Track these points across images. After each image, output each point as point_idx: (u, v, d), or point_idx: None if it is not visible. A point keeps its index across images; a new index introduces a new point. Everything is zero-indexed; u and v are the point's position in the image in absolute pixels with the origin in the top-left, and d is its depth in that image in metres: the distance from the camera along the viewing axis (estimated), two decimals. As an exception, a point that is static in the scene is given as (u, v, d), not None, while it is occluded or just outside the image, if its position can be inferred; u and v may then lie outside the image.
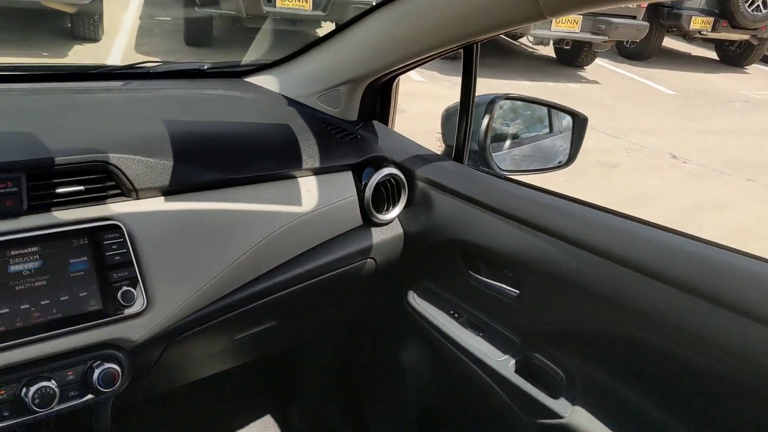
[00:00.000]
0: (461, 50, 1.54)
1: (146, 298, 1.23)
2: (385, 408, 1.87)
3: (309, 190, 1.52)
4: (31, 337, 1.12)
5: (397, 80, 1.76)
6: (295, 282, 1.50)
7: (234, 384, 2.01)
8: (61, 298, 1.15)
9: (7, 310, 1.10)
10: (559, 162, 1.96)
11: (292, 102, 1.77)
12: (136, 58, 6.26)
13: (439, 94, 6.99)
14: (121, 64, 1.87)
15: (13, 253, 1.12)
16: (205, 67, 1.89)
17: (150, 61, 1.88)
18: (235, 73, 1.91)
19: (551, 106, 1.81)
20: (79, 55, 6.58)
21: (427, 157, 1.69)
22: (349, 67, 1.65)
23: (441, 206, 1.61)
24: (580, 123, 1.80)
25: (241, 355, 1.69)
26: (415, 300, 1.68)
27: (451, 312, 1.62)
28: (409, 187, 1.65)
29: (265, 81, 1.86)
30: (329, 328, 1.88)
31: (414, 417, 1.76)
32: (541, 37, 8.54)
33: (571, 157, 1.81)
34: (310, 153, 1.54)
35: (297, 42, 7.23)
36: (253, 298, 1.42)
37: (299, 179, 1.52)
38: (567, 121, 1.99)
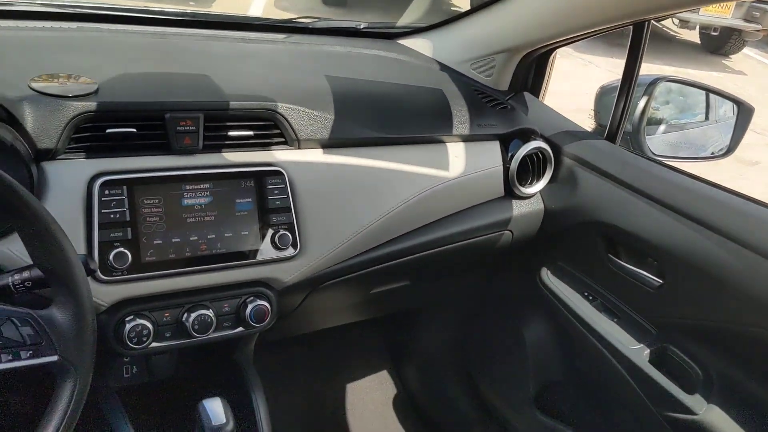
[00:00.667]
0: (629, 28, 1.49)
1: (299, 244, 1.28)
2: (502, 378, 1.88)
3: (457, 156, 1.52)
4: (196, 267, 1.20)
5: (554, 53, 1.73)
6: (432, 245, 1.52)
7: (355, 337, 2.08)
8: (226, 234, 1.22)
9: (178, 240, 1.18)
10: (713, 153, 1.87)
11: (444, 67, 1.77)
12: (275, 14, 6.43)
13: (568, 71, 6.78)
14: (281, 18, 1.93)
15: (187, 187, 1.19)
16: (361, 26, 1.92)
17: (305, 16, 1.93)
18: (389, 34, 1.94)
19: (716, 93, 1.72)
20: (223, 6, 6.84)
21: (578, 134, 1.65)
22: (508, 35, 1.63)
23: (587, 185, 1.58)
24: (745, 113, 1.70)
25: (373, 309, 1.75)
26: (549, 277, 1.67)
27: (585, 294, 1.60)
28: (555, 162, 1.63)
29: (419, 44, 1.88)
30: (456, 294, 1.90)
31: (532, 391, 1.76)
32: (687, 20, 8.08)
33: (731, 149, 1.72)
34: (460, 119, 1.54)
35: (449, 9, 7.21)
36: (392, 256, 1.46)
37: (448, 144, 1.53)
38: (725, 110, 1.88)
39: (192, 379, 1.40)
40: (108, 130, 1.15)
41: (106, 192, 1.12)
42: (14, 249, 1.06)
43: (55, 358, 0.86)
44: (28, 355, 0.85)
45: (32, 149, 1.09)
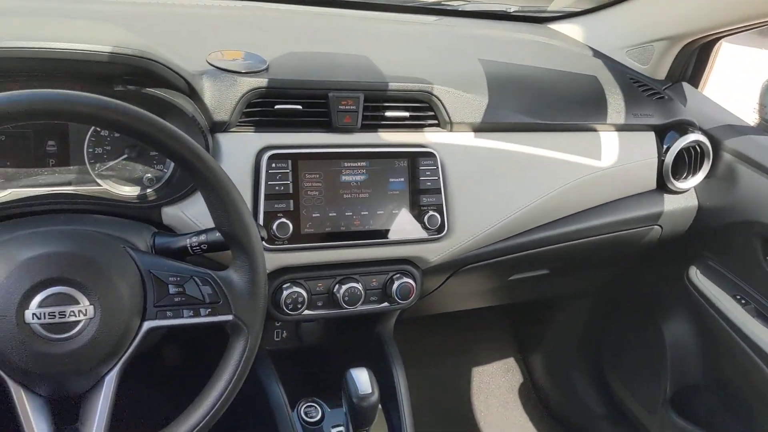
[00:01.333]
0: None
1: (447, 226, 1.30)
2: (636, 376, 1.83)
3: (610, 145, 1.48)
4: (349, 242, 1.24)
5: (719, 43, 1.64)
6: (577, 236, 1.49)
7: (484, 322, 2.08)
8: (378, 212, 1.25)
9: (334, 214, 1.23)
10: None
11: (598, 53, 1.72)
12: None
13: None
14: (431, 0, 1.94)
15: (345, 164, 1.24)
16: (511, 9, 1.90)
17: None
18: (540, 18, 1.90)
19: None
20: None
21: (741, 129, 1.56)
22: (671, 22, 1.56)
23: (748, 183, 1.49)
24: None
25: (508, 295, 1.74)
26: (697, 276, 1.60)
27: (738, 297, 1.52)
28: (714, 157, 1.55)
29: (571, 29, 1.83)
30: (593, 286, 1.86)
31: (667, 393, 1.70)
32: None
33: None
34: (615, 108, 1.50)
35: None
36: (536, 244, 1.45)
37: (601, 133, 1.49)
38: None
39: (336, 349, 1.45)
40: (277, 106, 1.20)
41: (273, 165, 1.18)
42: (188, 213, 1.14)
43: (230, 317, 0.92)
44: (206, 312, 0.92)
45: (208, 121, 1.17)
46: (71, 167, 1.18)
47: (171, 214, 1.14)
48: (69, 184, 1.18)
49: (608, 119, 1.48)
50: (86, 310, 0.84)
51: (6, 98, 0.78)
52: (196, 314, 0.91)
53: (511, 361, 2.11)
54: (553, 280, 1.68)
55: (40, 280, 0.83)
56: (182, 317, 0.91)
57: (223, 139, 1.18)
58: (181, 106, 1.12)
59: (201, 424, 0.91)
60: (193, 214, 1.15)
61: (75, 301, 0.84)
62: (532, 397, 2.08)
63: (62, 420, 0.89)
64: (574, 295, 1.93)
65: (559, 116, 1.44)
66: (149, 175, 1.22)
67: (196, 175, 0.88)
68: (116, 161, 1.20)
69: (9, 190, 1.14)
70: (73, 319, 0.84)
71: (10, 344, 0.82)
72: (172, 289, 0.91)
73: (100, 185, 1.19)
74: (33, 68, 1.09)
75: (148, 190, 1.21)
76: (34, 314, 0.82)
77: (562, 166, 1.42)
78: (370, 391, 1.15)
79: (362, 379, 1.16)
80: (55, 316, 0.83)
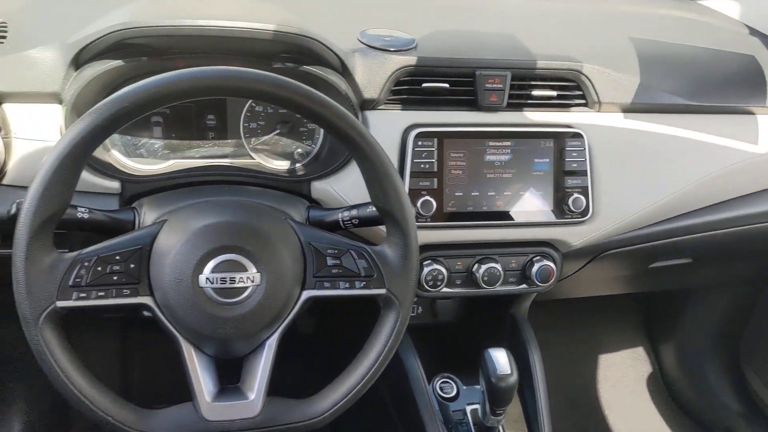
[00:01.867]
0: None
1: (592, 209, 1.27)
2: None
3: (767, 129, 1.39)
4: (491, 222, 1.24)
5: None
6: (726, 224, 1.42)
7: (613, 308, 2.02)
8: (521, 193, 1.24)
9: (477, 194, 1.22)
10: None
11: (754, 32, 1.61)
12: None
13: None
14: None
15: (490, 144, 1.23)
16: (660, -15, 1.81)
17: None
18: (690, -7, 1.80)
19: None
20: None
21: None
22: None
23: None
24: None
25: (645, 284, 1.68)
26: None
27: None
28: None
29: (724, 5, 1.73)
30: (737, 277, 1.76)
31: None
32: None
33: None
34: (776, 89, 1.40)
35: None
36: (683, 231, 1.39)
37: (758, 116, 1.40)
38: None
39: (470, 327, 1.46)
40: (424, 84, 1.21)
41: (419, 143, 1.19)
42: (336, 188, 1.17)
43: (383, 291, 0.95)
44: (361, 285, 0.94)
45: (358, 98, 1.19)
46: (228, 141, 1.24)
47: (320, 188, 1.18)
48: (225, 156, 1.24)
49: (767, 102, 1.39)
50: (254, 277, 0.89)
51: (188, 75, 0.82)
52: (352, 286, 0.94)
53: (640, 351, 2.05)
54: (695, 269, 1.61)
55: (214, 247, 0.88)
56: (339, 288, 0.94)
57: (372, 116, 1.21)
58: (335, 84, 1.15)
59: (352, 393, 0.94)
60: (341, 188, 1.18)
61: (244, 268, 0.89)
62: (661, 388, 2.01)
63: (225, 379, 0.95)
64: (714, 286, 1.84)
65: (713, 98, 1.37)
66: (299, 150, 1.26)
67: (358, 152, 0.90)
68: (269, 136, 1.25)
69: (172, 161, 1.21)
70: (241, 285, 0.88)
71: (185, 306, 0.87)
72: (329, 261, 0.94)
73: (253, 158, 1.25)
74: (198, 46, 1.15)
75: (297, 165, 1.26)
76: (207, 279, 0.87)
77: (714, 150, 1.35)
78: (509, 371, 1.14)
79: (501, 359, 1.16)
80: (225, 281, 0.88)
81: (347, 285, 0.94)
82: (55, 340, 0.84)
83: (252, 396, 0.92)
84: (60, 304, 0.84)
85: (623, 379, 1.99)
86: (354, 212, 1.03)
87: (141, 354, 1.72)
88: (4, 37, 1.14)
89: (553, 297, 1.66)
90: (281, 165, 1.25)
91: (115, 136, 1.20)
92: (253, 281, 0.89)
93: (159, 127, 1.21)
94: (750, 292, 1.80)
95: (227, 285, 0.88)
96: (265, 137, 1.25)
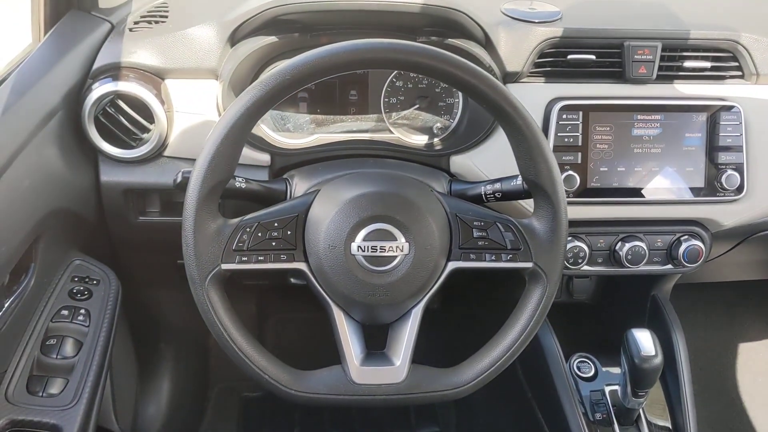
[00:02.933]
0: None
1: (746, 186, 1.20)
2: None
3: None
4: (637, 199, 1.20)
5: None
6: None
7: (752, 293, 1.90)
8: (670, 169, 1.19)
9: (623, 169, 1.18)
10: None
11: None
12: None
13: None
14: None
15: (638, 117, 1.18)
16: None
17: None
18: None
19: None
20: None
21: None
22: None
23: None
24: None
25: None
26: None
27: None
28: None
29: None
30: None
31: None
32: None
33: None
34: None
35: None
36: None
37: None
38: None
39: (609, 307, 1.42)
40: (569, 56, 1.18)
41: (564, 116, 1.16)
42: (475, 162, 1.17)
43: (530, 264, 0.94)
44: (507, 258, 0.94)
45: (501, 71, 1.18)
46: (369, 116, 1.26)
47: (459, 162, 1.18)
48: (366, 131, 1.26)
49: None
50: (403, 246, 0.90)
51: (346, 47, 0.84)
52: (498, 259, 0.94)
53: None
54: None
55: (366, 216, 0.90)
56: (484, 261, 0.94)
57: (514, 89, 1.19)
58: (479, 57, 1.15)
59: (497, 364, 0.94)
60: (480, 163, 1.17)
61: (393, 238, 0.90)
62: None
63: (372, 344, 0.98)
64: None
65: None
66: (438, 124, 1.27)
67: (511, 125, 0.90)
68: (408, 111, 1.26)
69: (316, 135, 1.25)
70: (391, 254, 0.90)
71: (338, 272, 0.90)
72: (476, 233, 0.94)
73: (393, 133, 1.26)
74: (346, 21, 1.18)
75: (436, 139, 1.26)
76: (359, 247, 0.90)
77: None
78: (653, 353, 1.11)
79: (645, 340, 1.12)
80: (376, 249, 0.90)
81: (493, 257, 0.94)
82: (219, 300, 0.89)
83: (398, 362, 0.94)
84: (225, 266, 0.89)
85: (764, 369, 1.88)
86: (497, 186, 1.02)
87: (275, 320, 1.80)
88: (165, 17, 1.21)
89: (696, 280, 1.59)
90: (420, 139, 1.26)
91: (265, 112, 1.25)
92: (402, 250, 0.90)
93: (305, 102, 1.25)
94: None
95: (378, 253, 0.90)
96: (405, 112, 1.26)
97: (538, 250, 0.94)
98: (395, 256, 0.91)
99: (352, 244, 0.90)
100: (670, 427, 1.23)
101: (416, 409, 1.72)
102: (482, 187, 1.04)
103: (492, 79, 0.87)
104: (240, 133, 0.87)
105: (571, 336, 1.33)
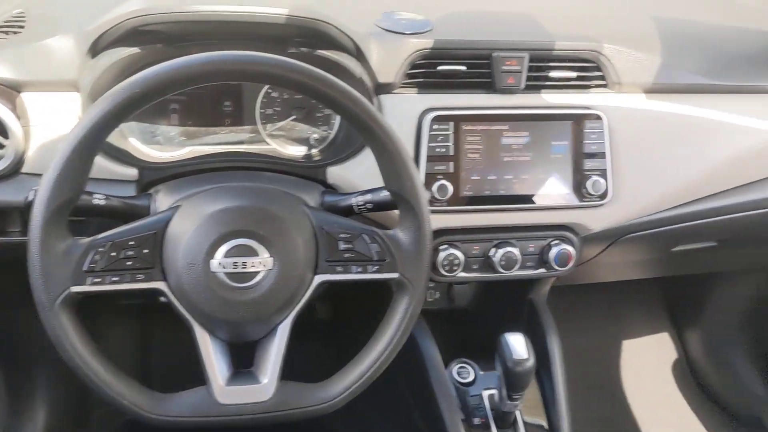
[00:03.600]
0: None
1: (611, 192, 1.25)
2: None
3: (795, 110, 1.36)
4: (508, 206, 1.23)
5: None
6: (752, 207, 1.38)
7: (635, 293, 2.00)
8: (539, 176, 1.23)
9: (494, 177, 1.21)
10: None
11: None
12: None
13: None
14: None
15: (507, 126, 1.21)
16: (684, -38, 1.77)
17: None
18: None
19: None
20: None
21: None
22: None
23: None
24: None
25: (669, 268, 1.66)
26: None
27: None
28: None
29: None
30: (756, 265, 1.73)
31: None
32: None
33: None
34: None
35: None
36: (704, 214, 1.36)
37: (786, 96, 1.36)
38: None
39: (488, 312, 1.45)
40: (439, 67, 1.20)
41: (435, 127, 1.18)
42: (352, 173, 1.17)
43: (396, 275, 0.94)
44: (374, 269, 0.94)
45: (373, 82, 1.18)
46: (244, 127, 1.25)
47: (336, 173, 1.18)
48: (242, 143, 1.24)
49: (797, 80, 1.36)
50: (266, 261, 0.89)
51: (198, 60, 0.83)
52: (364, 271, 0.94)
53: (664, 337, 2.02)
54: (720, 253, 1.58)
55: (226, 232, 0.88)
56: (351, 273, 0.94)
57: (387, 100, 1.20)
58: (349, 68, 1.15)
59: (365, 376, 0.94)
60: (356, 174, 1.17)
61: (256, 253, 0.89)
62: (686, 375, 1.98)
63: (239, 363, 0.96)
64: (740, 271, 1.80)
65: (739, 77, 1.34)
66: (315, 135, 1.26)
67: (371, 136, 0.90)
68: (285, 122, 1.25)
69: (189, 148, 1.22)
70: (253, 269, 0.89)
71: (198, 290, 0.88)
72: (342, 245, 0.94)
73: (269, 144, 1.25)
74: (212, 32, 1.16)
75: (314, 150, 1.26)
76: (219, 263, 0.88)
77: (739, 130, 1.32)
78: (526, 356, 1.14)
79: (518, 343, 1.15)
80: (238, 265, 0.88)
81: (360, 269, 0.94)
82: (70, 324, 0.85)
83: (265, 380, 0.92)
84: (75, 289, 0.85)
85: (647, 365, 1.97)
86: (368, 197, 1.02)
87: (160, 339, 1.75)
88: (22, 27, 1.15)
89: (573, 282, 1.64)
90: (297, 151, 1.25)
91: (133, 124, 1.21)
92: (265, 266, 0.89)
93: (176, 114, 1.22)
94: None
95: (239, 269, 0.88)
96: (281, 123, 1.25)
97: (403, 261, 0.94)
98: (258, 272, 0.89)
99: (212, 260, 0.88)
100: (546, 427, 1.26)
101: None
102: (353, 199, 1.04)
103: (349, 89, 0.88)
104: (88, 149, 0.83)
105: (452, 342, 1.35)
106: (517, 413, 1.24)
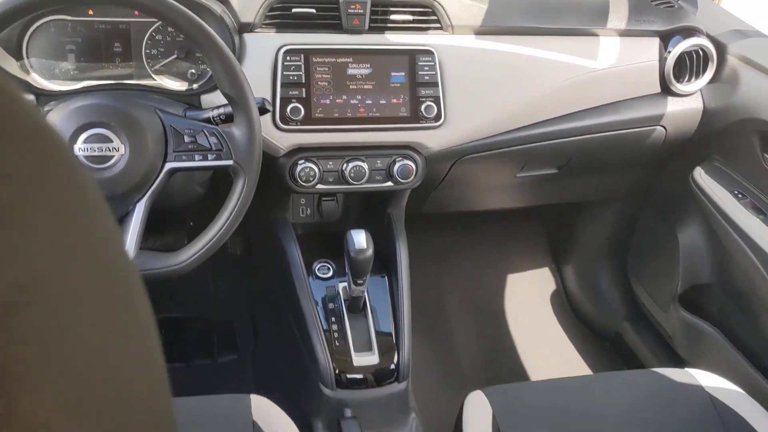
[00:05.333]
0: None
1: (444, 115, 1.48)
2: (652, 278, 1.94)
3: (609, 48, 1.60)
4: (355, 126, 1.46)
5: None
6: (578, 132, 1.62)
7: (517, 228, 2.23)
8: (381, 101, 1.46)
9: (341, 101, 1.45)
10: None
11: None
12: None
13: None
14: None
15: (352, 59, 1.45)
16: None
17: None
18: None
19: None
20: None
21: (748, 33, 1.63)
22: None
23: (750, 83, 1.57)
24: None
25: (521, 197, 1.90)
26: (701, 177, 1.69)
27: (735, 192, 1.61)
28: (719, 61, 1.63)
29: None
30: (611, 193, 1.97)
31: (678, 291, 1.80)
32: None
33: None
34: (617, 15, 1.61)
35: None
36: (536, 138, 1.60)
37: (601, 38, 1.61)
38: None
39: (353, 225, 1.68)
40: (294, 10, 1.43)
41: (288, 58, 1.41)
42: (220, 99, 1.40)
43: (231, 162, 1.17)
44: (213, 158, 1.17)
45: (236, 22, 1.41)
46: (132, 63, 1.47)
47: (207, 99, 1.40)
48: (131, 77, 1.47)
49: (609, 24, 1.60)
50: (119, 147, 1.12)
51: None
52: (205, 159, 1.17)
53: (545, 271, 2.26)
54: (564, 181, 1.82)
55: (85, 122, 1.11)
56: (194, 161, 1.17)
57: (249, 38, 1.43)
58: (210, 7, 1.38)
59: (208, 245, 1.17)
60: (222, 99, 1.40)
61: (111, 140, 1.12)
62: (564, 304, 2.22)
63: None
64: (599, 202, 2.04)
65: (560, 21, 1.58)
66: (193, 71, 1.49)
67: (202, 47, 1.13)
68: (168, 60, 1.48)
69: (84, 82, 1.44)
70: (108, 153, 1.11)
71: None
72: (186, 139, 1.17)
73: (155, 80, 1.48)
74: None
75: (194, 85, 1.48)
76: (80, 148, 1.10)
77: (559, 66, 1.56)
78: (365, 246, 1.36)
79: (359, 237, 1.37)
80: (95, 150, 1.11)
81: (201, 157, 1.17)
82: None
83: (125, 248, 1.15)
84: None
85: (527, 296, 2.21)
86: (222, 109, 1.25)
87: None
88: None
89: (444, 209, 1.88)
90: (180, 85, 1.48)
91: (33, 61, 1.43)
92: (118, 151, 1.12)
93: (72, 54, 1.44)
94: (631, 206, 2.01)
95: (97, 153, 1.11)
96: (165, 61, 1.48)
97: (237, 151, 1.17)
98: (113, 156, 1.12)
99: (74, 146, 1.10)
100: (391, 311, 1.49)
101: (218, 339, 1.93)
102: (211, 112, 1.27)
103: (184, 10, 1.10)
104: None
105: (321, 250, 1.58)
106: (366, 298, 1.47)
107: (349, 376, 1.41)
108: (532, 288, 2.23)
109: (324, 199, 1.64)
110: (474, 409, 1.27)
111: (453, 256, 2.17)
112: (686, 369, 1.39)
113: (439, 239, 2.12)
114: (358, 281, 1.40)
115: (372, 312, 1.47)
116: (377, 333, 1.46)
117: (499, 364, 1.99)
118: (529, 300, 2.20)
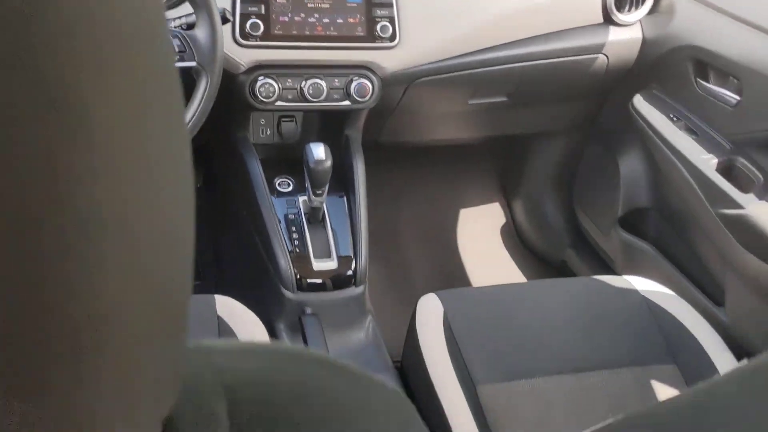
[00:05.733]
0: None
1: (399, 36, 1.55)
2: (595, 205, 2.05)
3: (553, -22, 1.69)
4: (314, 44, 1.51)
5: None
6: (525, 58, 1.71)
7: (470, 160, 2.31)
8: (338, 21, 1.52)
9: (299, 19, 1.50)
10: None
11: None
12: None
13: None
14: None
15: (310, -21, 1.50)
16: None
17: None
18: None
19: None
20: None
21: None
22: None
23: (685, 13, 1.67)
24: None
25: (475, 126, 1.98)
26: (640, 103, 1.79)
27: (671, 116, 1.72)
28: None
29: None
30: (557, 124, 2.06)
31: (619, 214, 1.91)
32: None
33: None
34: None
35: None
36: (485, 63, 1.67)
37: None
38: None
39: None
40: None
41: (248, -24, 1.46)
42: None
43: (194, 63, 1.22)
44: (176, 59, 1.21)
45: None
46: None
47: (169, 15, 1.44)
48: None
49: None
50: None
51: None
52: None
53: (496, 206, 2.35)
54: (513, 111, 1.91)
55: None
56: None
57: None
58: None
59: None
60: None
61: None
62: (513, 236, 2.32)
63: None
64: (546, 134, 2.14)
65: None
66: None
67: None
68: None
69: None
70: None
71: None
72: None
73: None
74: None
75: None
76: None
77: (506, -4, 1.65)
78: (323, 157, 1.43)
79: (318, 149, 1.44)
80: None
81: None
82: None
83: None
84: None
85: (478, 229, 2.30)
86: (184, 19, 1.30)
87: None
88: None
89: (402, 138, 1.96)
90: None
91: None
92: None
93: None
94: (578, 137, 2.11)
95: None
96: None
97: (199, 53, 1.22)
98: None
99: None
100: (349, 225, 1.57)
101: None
102: (173, 23, 1.31)
103: None
104: None
105: (277, 165, 1.64)
106: (325, 211, 1.54)
107: (309, 280, 1.48)
108: (483, 220, 2.32)
109: (283, 119, 1.69)
110: (427, 309, 1.35)
111: (407, 189, 2.25)
112: (623, 276, 1.50)
113: (394, 172, 2.20)
114: (317, 191, 1.47)
115: (330, 225, 1.54)
116: (335, 242, 1.53)
117: (450, 286, 2.09)
118: (479, 231, 2.29)
